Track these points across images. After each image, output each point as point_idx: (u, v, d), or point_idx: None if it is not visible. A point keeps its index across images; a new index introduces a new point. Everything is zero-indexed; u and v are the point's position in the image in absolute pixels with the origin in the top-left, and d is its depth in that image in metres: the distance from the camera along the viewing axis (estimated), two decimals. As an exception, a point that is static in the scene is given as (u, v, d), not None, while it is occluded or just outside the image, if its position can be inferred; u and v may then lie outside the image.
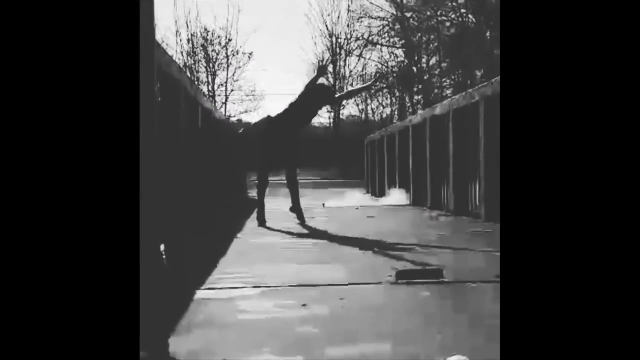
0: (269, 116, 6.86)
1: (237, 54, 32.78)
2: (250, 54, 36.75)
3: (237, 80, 33.36)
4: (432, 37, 25.39)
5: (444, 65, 25.77)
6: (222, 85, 32.81)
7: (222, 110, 30.75)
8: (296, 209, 6.88)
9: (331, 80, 31.37)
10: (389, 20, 26.80)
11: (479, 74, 21.45)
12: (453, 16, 24.28)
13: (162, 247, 2.12)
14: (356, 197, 12.40)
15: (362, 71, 30.53)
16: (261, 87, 59.52)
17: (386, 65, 28.36)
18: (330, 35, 31.67)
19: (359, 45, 29.64)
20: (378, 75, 6.03)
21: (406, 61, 27.43)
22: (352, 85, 31.51)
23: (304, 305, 2.80)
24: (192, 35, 31.87)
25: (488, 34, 21.37)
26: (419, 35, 25.70)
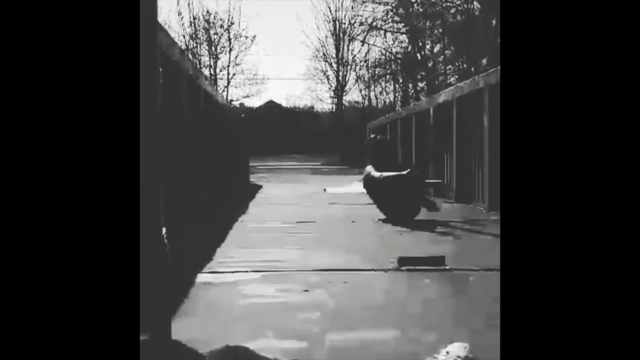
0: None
1: (240, 36, 32.61)
2: (253, 37, 36.64)
3: (238, 64, 33.19)
4: (437, 22, 25.20)
5: (448, 52, 25.62)
6: (224, 68, 32.64)
7: (224, 94, 30.63)
8: None
9: (334, 66, 31.23)
10: (393, 4, 26.61)
11: (484, 61, 21.31)
12: (458, 2, 24.11)
13: (164, 231, 2.11)
14: (357, 183, 12.38)
15: (365, 57, 30.36)
16: (263, 71, 59.37)
17: (389, 51, 28.21)
18: (334, 20, 31.48)
19: (362, 30, 29.43)
20: None
21: (410, 47, 27.28)
22: (355, 70, 31.27)
23: (306, 290, 2.79)
24: (194, 17, 31.70)
25: (494, 22, 21.20)
26: (423, 20, 25.51)
